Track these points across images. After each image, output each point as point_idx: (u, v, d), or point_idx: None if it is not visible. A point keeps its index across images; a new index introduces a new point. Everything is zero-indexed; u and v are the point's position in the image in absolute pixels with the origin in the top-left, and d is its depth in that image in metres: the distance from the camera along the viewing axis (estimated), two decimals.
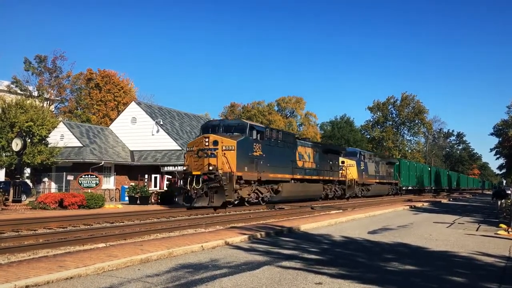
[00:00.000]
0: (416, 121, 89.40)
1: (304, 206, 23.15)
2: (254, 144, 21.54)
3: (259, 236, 11.21)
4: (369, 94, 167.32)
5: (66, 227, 12.44)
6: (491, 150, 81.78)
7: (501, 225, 15.79)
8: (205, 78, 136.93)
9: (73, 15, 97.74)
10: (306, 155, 27.75)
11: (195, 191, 19.39)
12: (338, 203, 27.13)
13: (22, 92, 43.29)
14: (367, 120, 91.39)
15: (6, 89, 43.93)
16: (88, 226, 12.72)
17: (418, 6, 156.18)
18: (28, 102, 30.55)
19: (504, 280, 7.28)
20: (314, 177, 28.43)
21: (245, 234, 11.05)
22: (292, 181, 25.28)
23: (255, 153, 21.49)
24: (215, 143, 19.95)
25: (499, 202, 21.57)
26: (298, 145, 26.98)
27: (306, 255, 8.90)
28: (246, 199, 21.38)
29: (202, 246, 9.22)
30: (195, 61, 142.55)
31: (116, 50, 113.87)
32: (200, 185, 19.29)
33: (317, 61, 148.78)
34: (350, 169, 33.47)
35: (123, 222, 13.94)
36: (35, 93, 44.82)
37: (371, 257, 8.99)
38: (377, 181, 39.99)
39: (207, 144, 19.85)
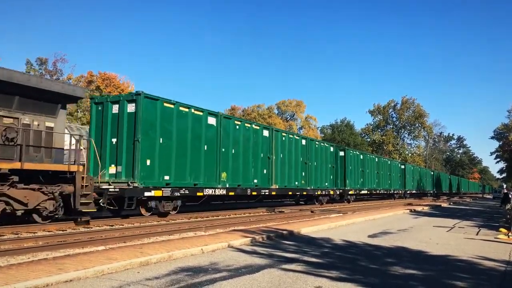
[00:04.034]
0: (417, 125, 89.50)
1: (304, 210, 23.19)
2: None
3: (259, 239, 11.19)
4: (370, 97, 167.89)
5: (66, 230, 12.41)
6: (492, 154, 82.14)
7: (501, 229, 15.80)
8: (206, 81, 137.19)
9: (74, 18, 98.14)
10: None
11: None
12: (339, 207, 27.11)
13: None
14: (367, 124, 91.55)
15: None
16: (88, 229, 12.70)
17: (418, 8, 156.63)
18: None
19: (504, 284, 7.29)
20: None
21: (245, 237, 11.03)
22: None
23: None
24: None
25: (506, 207, 21.39)
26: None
27: (306, 258, 8.89)
28: None
29: (202, 249, 9.21)
30: (195, 64, 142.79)
31: (117, 53, 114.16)
32: None
33: (318, 64, 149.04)
34: None
35: (123, 225, 13.93)
36: None
37: (371, 261, 8.97)
38: None
39: None
